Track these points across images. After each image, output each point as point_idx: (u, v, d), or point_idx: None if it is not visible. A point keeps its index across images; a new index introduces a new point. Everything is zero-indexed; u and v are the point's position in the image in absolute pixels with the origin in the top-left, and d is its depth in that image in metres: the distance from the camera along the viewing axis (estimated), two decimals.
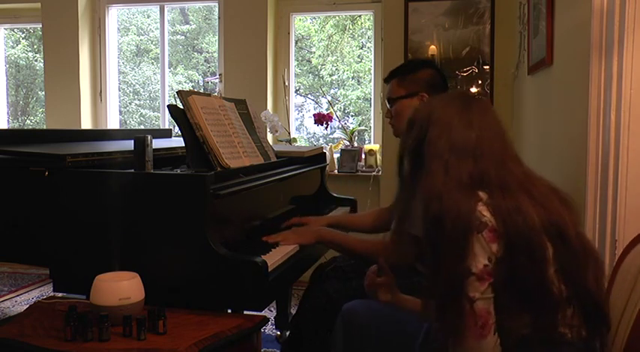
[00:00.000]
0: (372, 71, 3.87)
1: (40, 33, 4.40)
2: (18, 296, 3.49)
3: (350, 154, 3.64)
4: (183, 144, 1.77)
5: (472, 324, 1.11)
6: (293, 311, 2.60)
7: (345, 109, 4.88)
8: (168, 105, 1.80)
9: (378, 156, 3.64)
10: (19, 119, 5.88)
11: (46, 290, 3.59)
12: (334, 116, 3.73)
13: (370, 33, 4.00)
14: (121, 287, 1.44)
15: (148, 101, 5.75)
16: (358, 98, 4.79)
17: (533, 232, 1.12)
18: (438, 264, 1.14)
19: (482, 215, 1.11)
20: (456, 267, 1.11)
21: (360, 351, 1.42)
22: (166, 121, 4.23)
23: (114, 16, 4.24)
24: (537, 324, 1.13)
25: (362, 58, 4.57)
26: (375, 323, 1.42)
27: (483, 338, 1.11)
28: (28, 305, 1.71)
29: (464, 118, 1.23)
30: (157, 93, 5.14)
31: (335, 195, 2.68)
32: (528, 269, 1.11)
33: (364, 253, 1.78)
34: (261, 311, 1.52)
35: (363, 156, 3.69)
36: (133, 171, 1.67)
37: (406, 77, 1.89)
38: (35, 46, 5.74)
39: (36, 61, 5.75)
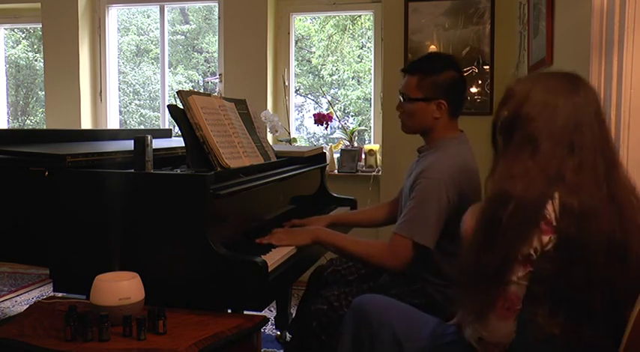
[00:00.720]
0: (372, 71, 3.87)
1: (40, 33, 4.40)
2: (18, 296, 3.49)
3: (350, 154, 3.64)
4: (183, 144, 1.77)
5: (500, 305, 1.13)
6: (293, 311, 2.60)
7: (345, 109, 4.88)
8: (168, 105, 1.80)
9: (378, 156, 3.64)
10: (19, 119, 5.88)
11: (46, 290, 3.59)
12: (334, 116, 3.73)
13: (370, 33, 4.00)
14: (121, 287, 1.44)
15: (148, 101, 5.75)
16: (358, 98, 4.79)
17: (594, 240, 1.09)
18: (487, 240, 1.13)
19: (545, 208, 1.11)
20: (506, 249, 1.11)
21: (369, 345, 1.41)
22: (166, 121, 4.23)
23: (114, 16, 4.24)
24: (568, 327, 1.12)
25: (362, 58, 4.57)
26: (384, 316, 1.42)
27: (504, 320, 1.13)
28: (28, 305, 1.71)
29: (568, 104, 1.15)
30: (157, 93, 5.14)
31: (335, 195, 2.68)
32: (574, 272, 1.10)
33: (360, 255, 1.74)
34: (261, 311, 1.52)
35: (363, 156, 3.69)
36: (133, 171, 1.67)
37: (428, 78, 1.77)
38: (35, 46, 5.74)
39: (36, 61, 5.76)
